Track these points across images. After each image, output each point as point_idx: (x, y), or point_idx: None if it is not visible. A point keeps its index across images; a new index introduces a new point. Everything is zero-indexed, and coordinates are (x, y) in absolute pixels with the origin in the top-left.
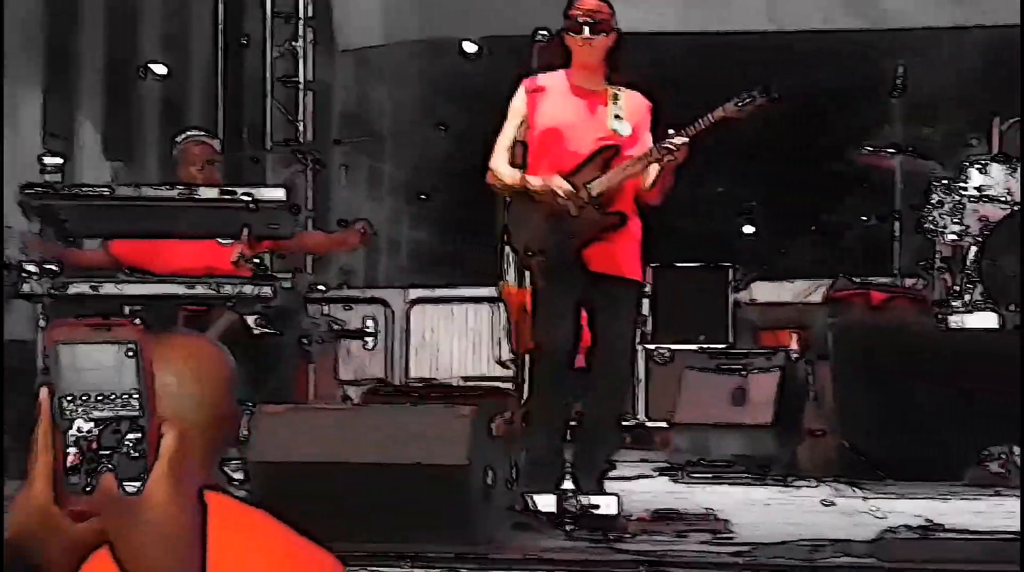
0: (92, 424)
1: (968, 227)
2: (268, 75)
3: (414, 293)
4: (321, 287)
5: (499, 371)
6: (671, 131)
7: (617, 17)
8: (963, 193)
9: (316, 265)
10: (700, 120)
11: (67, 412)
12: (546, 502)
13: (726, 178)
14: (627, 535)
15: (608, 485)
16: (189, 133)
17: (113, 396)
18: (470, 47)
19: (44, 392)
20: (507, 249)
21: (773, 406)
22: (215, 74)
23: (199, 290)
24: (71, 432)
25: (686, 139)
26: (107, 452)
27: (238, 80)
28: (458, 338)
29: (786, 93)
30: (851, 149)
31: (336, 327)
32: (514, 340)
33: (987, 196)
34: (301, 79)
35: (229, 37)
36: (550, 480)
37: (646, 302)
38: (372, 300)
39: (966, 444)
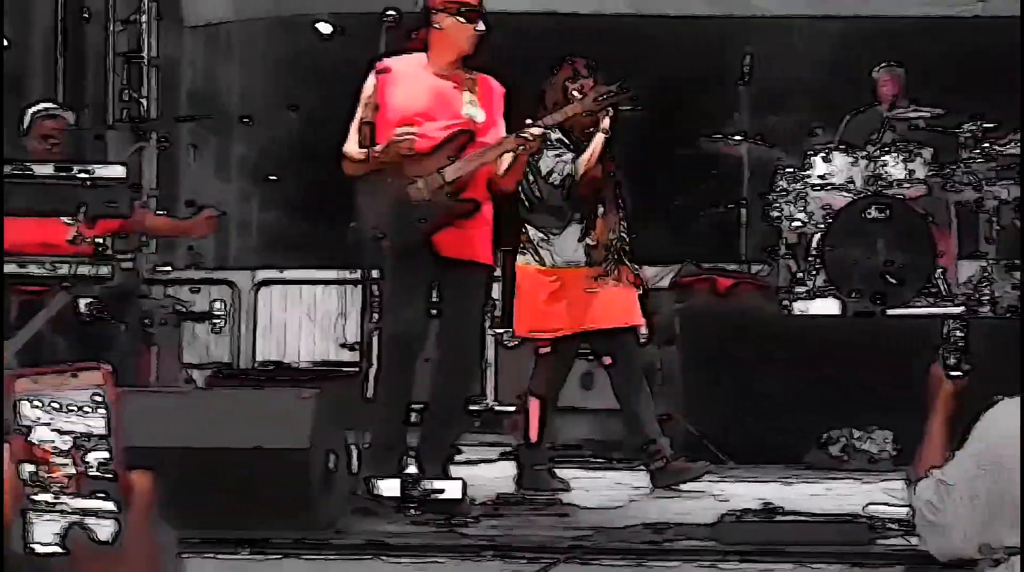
0: (56, 434)
1: (812, 215)
2: (110, 50)
3: (261, 274)
4: (167, 268)
5: (347, 355)
6: (528, 122)
7: None
8: (807, 181)
9: (162, 245)
10: (558, 112)
11: (25, 417)
12: (389, 487)
13: None
14: (471, 519)
15: (456, 469)
16: (43, 105)
17: (85, 409)
18: (325, 28)
19: (7, 449)
20: (524, 227)
21: None
22: (56, 48)
23: (32, 269)
24: (30, 438)
25: (543, 130)
26: (64, 464)
27: (80, 55)
28: (306, 321)
29: (640, 77)
30: (700, 136)
31: (180, 309)
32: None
33: (830, 184)
34: (145, 55)
35: (71, 10)
36: (394, 464)
37: (496, 286)
38: (219, 281)
39: (808, 428)
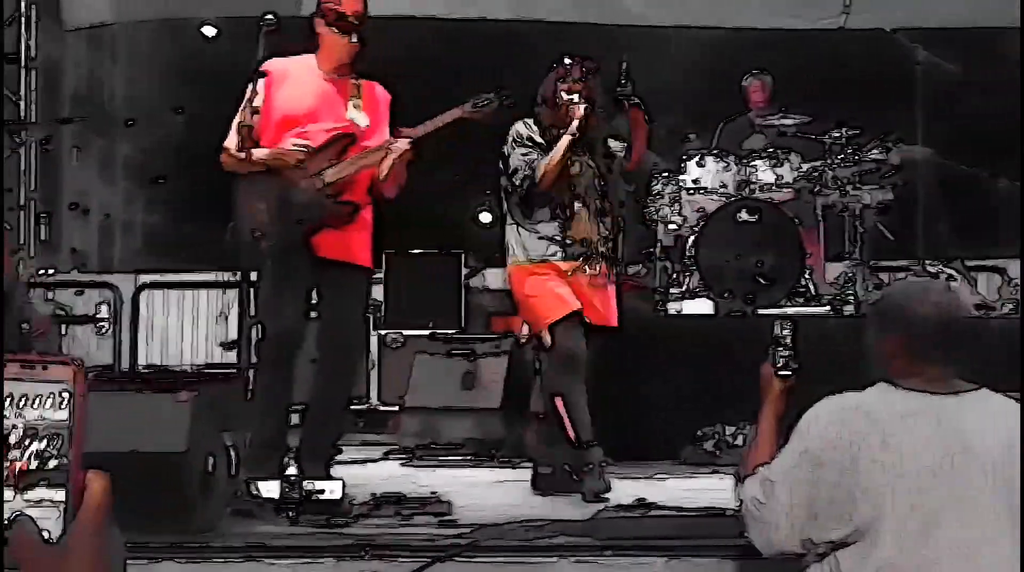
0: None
1: (686, 218)
2: None
3: (144, 278)
4: (50, 270)
5: (230, 357)
6: (401, 129)
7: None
8: (681, 185)
9: (44, 248)
10: (436, 118)
11: None
12: (269, 488)
13: (462, 166)
14: (351, 520)
15: (338, 469)
16: None
17: (46, 403)
18: (210, 31)
19: None
20: (508, 229)
21: (501, 390)
22: None
23: None
24: None
25: (420, 135)
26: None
27: None
28: (189, 324)
29: (520, 83)
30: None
31: (61, 312)
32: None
33: (703, 188)
34: (23, 56)
35: None
36: (274, 466)
37: (379, 288)
38: (99, 285)
39: (682, 425)
